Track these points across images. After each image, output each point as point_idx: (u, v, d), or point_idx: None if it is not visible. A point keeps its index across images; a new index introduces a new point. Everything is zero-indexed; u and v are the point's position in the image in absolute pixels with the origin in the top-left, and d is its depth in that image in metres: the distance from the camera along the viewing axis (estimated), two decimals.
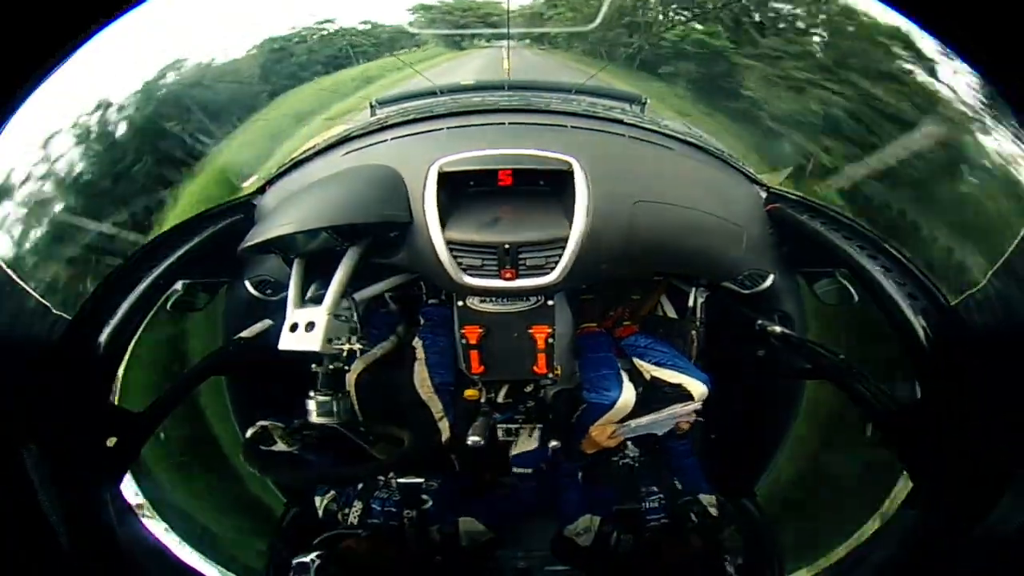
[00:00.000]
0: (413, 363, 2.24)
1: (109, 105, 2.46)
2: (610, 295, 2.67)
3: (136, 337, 1.82)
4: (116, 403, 1.83)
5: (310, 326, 1.89)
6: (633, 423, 2.15)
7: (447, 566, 2.26)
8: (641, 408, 2.19)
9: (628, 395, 2.18)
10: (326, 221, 1.89)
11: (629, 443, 2.35)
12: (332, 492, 2.41)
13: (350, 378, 2.15)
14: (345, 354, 1.99)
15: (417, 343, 2.28)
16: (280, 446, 2.02)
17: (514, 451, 2.48)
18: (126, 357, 1.81)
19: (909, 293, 1.65)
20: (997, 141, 1.81)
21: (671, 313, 2.65)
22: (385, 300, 2.50)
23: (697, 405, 2.16)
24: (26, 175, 2.07)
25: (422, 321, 2.42)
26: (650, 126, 2.36)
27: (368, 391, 2.17)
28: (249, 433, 2.01)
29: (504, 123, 2.26)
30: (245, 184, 2.53)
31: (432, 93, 2.94)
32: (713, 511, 2.28)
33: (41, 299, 1.55)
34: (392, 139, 2.25)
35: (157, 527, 2.21)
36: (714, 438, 2.46)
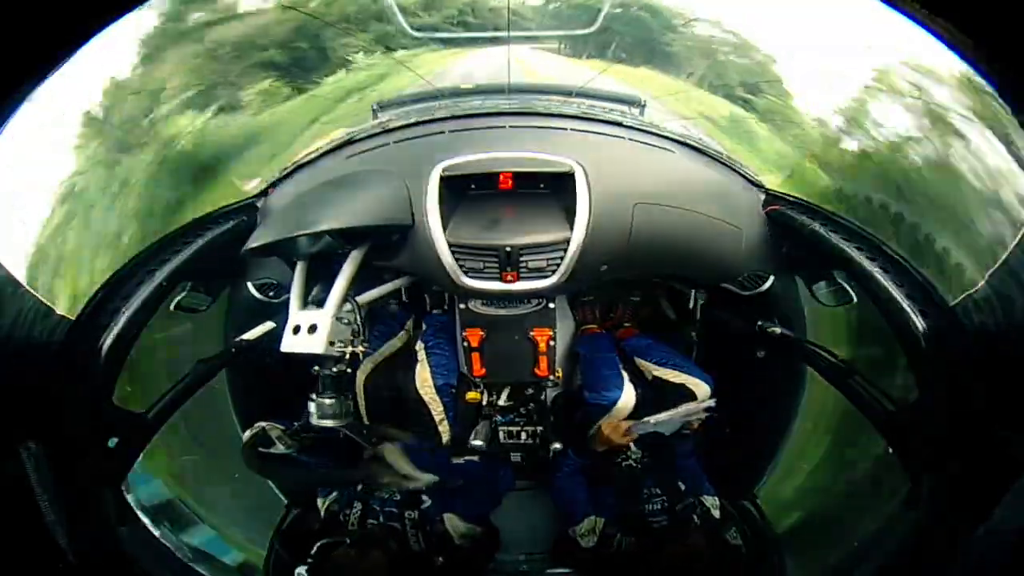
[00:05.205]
0: (415, 365, 2.25)
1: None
2: (610, 296, 2.67)
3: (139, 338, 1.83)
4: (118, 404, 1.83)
5: (312, 328, 1.90)
6: (653, 420, 2.15)
7: (446, 568, 2.26)
8: (642, 408, 2.20)
9: (628, 396, 2.19)
10: (329, 224, 1.90)
11: (632, 444, 2.35)
12: (334, 493, 2.42)
13: (359, 378, 2.16)
14: (347, 357, 2.00)
15: (419, 345, 2.29)
16: (279, 448, 2.02)
17: None
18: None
19: (908, 294, 1.66)
20: (995, 139, 1.81)
21: (671, 314, 2.66)
22: (391, 299, 2.50)
23: (711, 403, 2.16)
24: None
25: (424, 326, 2.43)
26: (650, 128, 2.37)
27: (374, 392, 2.18)
28: (248, 435, 2.02)
29: (505, 126, 2.27)
30: (248, 187, 2.52)
31: (433, 96, 2.95)
32: (715, 512, 2.29)
33: (44, 300, 1.55)
34: (394, 142, 2.26)
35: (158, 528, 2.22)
36: (728, 432, 2.47)
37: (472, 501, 2.34)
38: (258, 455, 2.00)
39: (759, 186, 2.31)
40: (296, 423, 2.10)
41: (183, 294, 2.25)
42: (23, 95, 1.16)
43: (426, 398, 2.20)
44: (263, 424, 2.04)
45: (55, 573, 1.40)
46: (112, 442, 1.71)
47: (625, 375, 2.26)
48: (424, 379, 2.21)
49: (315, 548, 2.16)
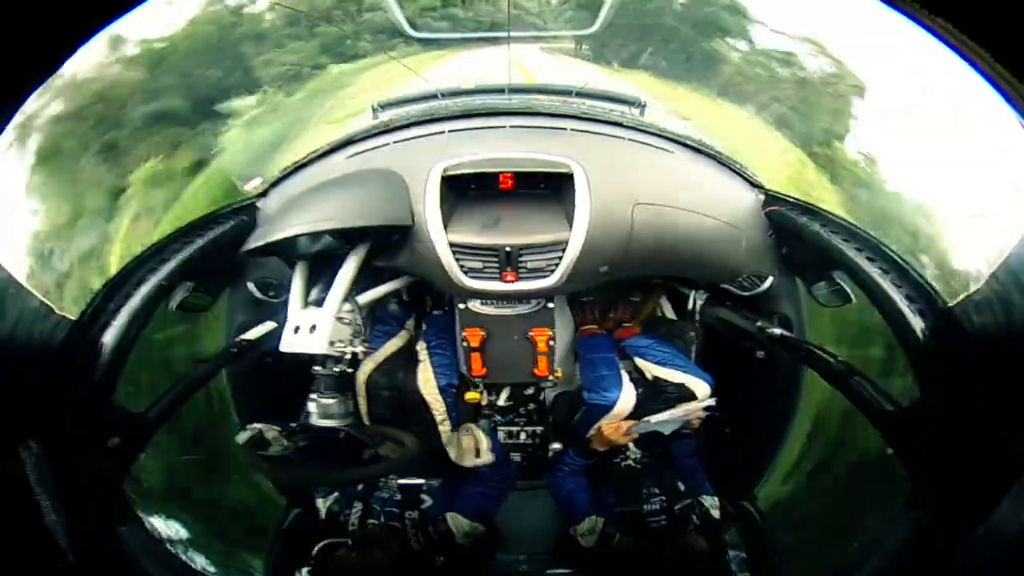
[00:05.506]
0: (417, 365, 2.25)
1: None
2: (610, 297, 2.67)
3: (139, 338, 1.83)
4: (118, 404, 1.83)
5: (312, 328, 1.90)
6: (653, 419, 2.15)
7: (447, 568, 2.26)
8: (643, 408, 2.20)
9: (628, 396, 2.19)
10: (329, 224, 1.90)
11: (631, 444, 2.35)
12: (335, 494, 2.42)
13: (359, 378, 2.16)
14: (347, 357, 2.00)
15: (421, 345, 2.29)
16: (275, 449, 2.01)
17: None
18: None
19: (907, 295, 1.66)
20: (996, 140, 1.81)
21: (671, 314, 2.66)
22: (391, 299, 2.50)
23: (710, 403, 2.16)
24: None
25: (425, 326, 2.43)
26: (650, 129, 2.37)
27: (375, 392, 2.18)
28: (244, 437, 2.00)
29: (505, 126, 2.28)
30: (248, 187, 2.52)
31: (433, 96, 2.95)
32: (715, 513, 2.29)
33: (44, 300, 1.55)
34: (394, 142, 2.26)
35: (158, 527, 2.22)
36: (728, 432, 2.47)
37: (478, 500, 2.34)
38: (255, 457, 2.00)
39: (759, 187, 2.31)
40: (294, 424, 2.10)
41: (183, 294, 2.25)
42: (24, 95, 1.16)
43: (428, 399, 2.20)
44: (259, 426, 2.03)
45: (55, 573, 1.40)
46: (112, 442, 1.70)
47: (625, 375, 2.26)
48: (426, 379, 2.20)
49: (316, 549, 2.16)
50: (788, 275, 2.40)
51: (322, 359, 2.00)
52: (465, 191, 2.05)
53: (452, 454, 2.29)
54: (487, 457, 2.29)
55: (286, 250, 2.10)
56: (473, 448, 2.30)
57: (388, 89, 3.48)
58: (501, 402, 2.58)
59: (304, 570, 2.14)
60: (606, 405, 2.20)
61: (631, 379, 2.25)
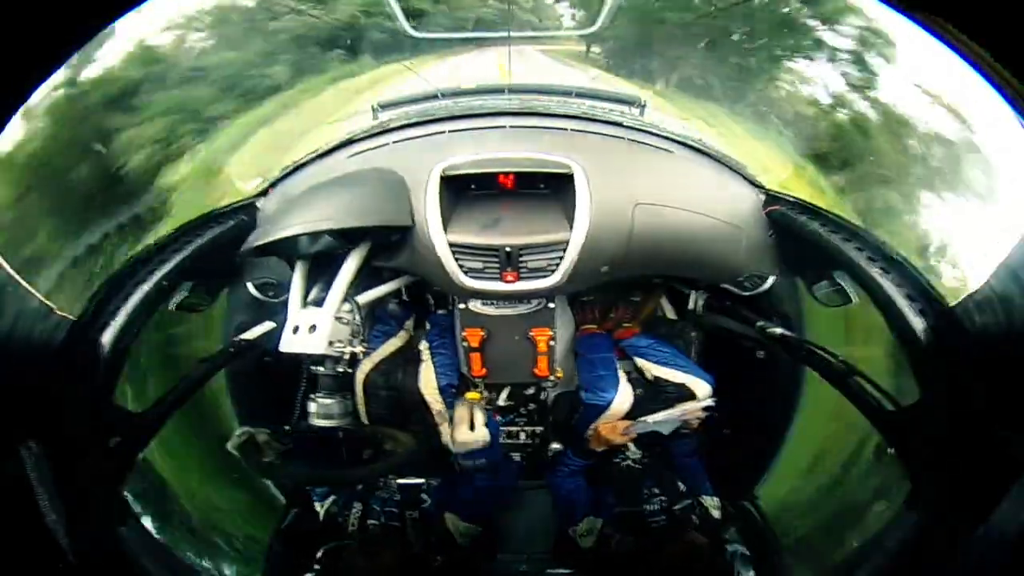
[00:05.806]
0: (419, 365, 2.25)
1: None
2: (610, 297, 2.68)
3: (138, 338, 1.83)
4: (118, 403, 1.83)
5: (312, 328, 1.90)
6: (651, 419, 2.15)
7: (446, 568, 2.26)
8: (643, 408, 2.20)
9: (625, 396, 2.19)
10: (329, 224, 1.90)
11: (631, 445, 2.35)
12: (331, 497, 2.42)
13: (358, 378, 2.15)
14: (347, 357, 2.00)
15: (423, 345, 2.29)
16: (268, 455, 1.98)
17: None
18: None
19: (907, 294, 1.66)
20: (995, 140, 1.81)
21: (671, 314, 2.66)
22: (391, 297, 2.49)
23: (709, 402, 2.16)
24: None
25: (428, 326, 2.43)
26: (650, 129, 2.37)
27: (374, 392, 2.18)
28: (234, 442, 1.96)
29: (505, 126, 2.28)
30: (248, 187, 2.52)
31: (433, 96, 2.95)
32: (715, 513, 2.29)
33: (44, 299, 1.55)
34: (394, 142, 2.26)
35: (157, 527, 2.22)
36: (728, 432, 2.46)
37: (474, 502, 2.34)
38: (247, 460, 1.98)
39: (759, 186, 2.31)
40: (287, 427, 2.08)
41: (183, 294, 2.25)
42: (24, 95, 1.16)
43: (429, 399, 2.20)
44: (249, 429, 2.01)
45: (55, 573, 1.40)
46: (112, 442, 1.70)
47: (622, 375, 2.26)
48: (428, 379, 2.20)
49: (320, 553, 2.16)
50: (788, 275, 2.40)
51: (321, 359, 2.00)
52: (465, 191, 2.05)
53: (444, 430, 2.27)
54: (481, 432, 2.25)
55: (286, 250, 2.10)
56: (467, 420, 2.27)
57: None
58: (501, 402, 2.58)
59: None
60: (602, 405, 2.20)
61: (630, 379, 2.26)
